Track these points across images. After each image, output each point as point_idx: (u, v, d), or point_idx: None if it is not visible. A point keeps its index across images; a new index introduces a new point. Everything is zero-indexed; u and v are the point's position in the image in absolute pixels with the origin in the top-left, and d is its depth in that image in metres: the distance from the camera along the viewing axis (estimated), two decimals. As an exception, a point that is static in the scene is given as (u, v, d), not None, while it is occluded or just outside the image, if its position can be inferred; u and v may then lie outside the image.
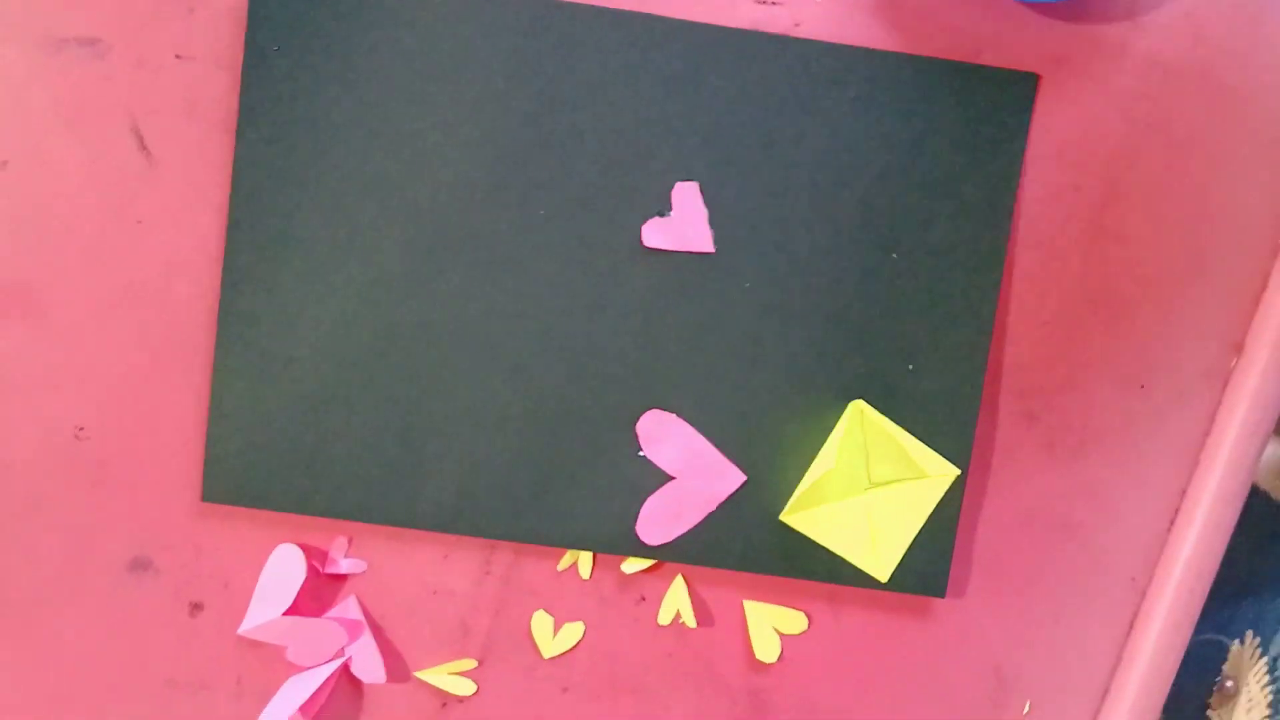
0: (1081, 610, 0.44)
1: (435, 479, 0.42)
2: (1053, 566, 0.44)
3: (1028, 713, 0.45)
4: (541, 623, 0.43)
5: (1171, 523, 0.44)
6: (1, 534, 0.42)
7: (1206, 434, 0.43)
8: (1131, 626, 0.44)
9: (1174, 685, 0.45)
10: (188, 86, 0.40)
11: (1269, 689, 0.47)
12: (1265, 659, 0.48)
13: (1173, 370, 0.43)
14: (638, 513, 0.42)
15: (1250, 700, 0.48)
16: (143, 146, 0.40)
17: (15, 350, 0.41)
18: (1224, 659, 0.49)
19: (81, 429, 0.42)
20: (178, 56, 0.40)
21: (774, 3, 0.41)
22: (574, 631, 0.44)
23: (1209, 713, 0.49)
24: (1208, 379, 0.43)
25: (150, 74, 0.40)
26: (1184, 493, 0.44)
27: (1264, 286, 0.42)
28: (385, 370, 0.41)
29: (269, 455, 0.41)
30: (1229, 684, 0.49)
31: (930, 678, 0.44)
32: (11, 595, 0.42)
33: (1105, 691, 0.45)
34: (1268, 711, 0.47)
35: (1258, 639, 0.48)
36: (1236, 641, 0.49)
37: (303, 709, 0.43)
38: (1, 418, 0.41)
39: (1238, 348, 0.43)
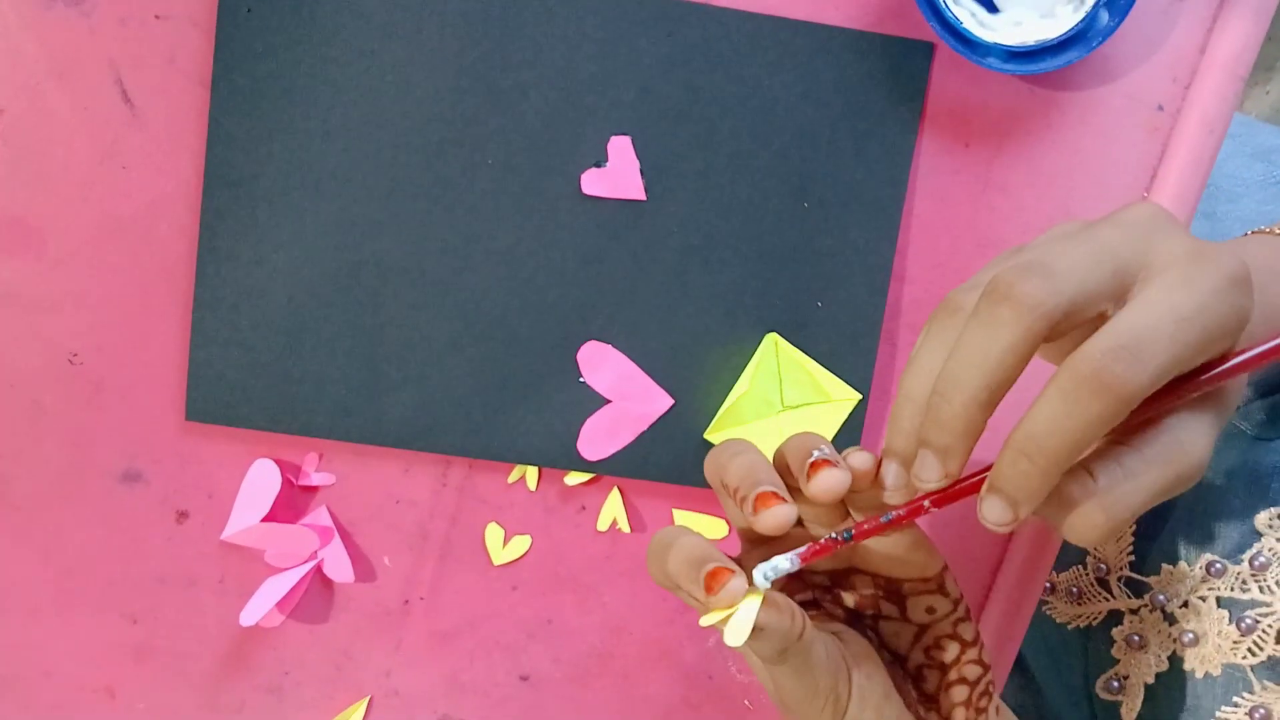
0: (970, 514, 0.50)
1: (396, 400, 0.47)
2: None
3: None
4: (494, 534, 0.49)
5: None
6: (6, 450, 0.47)
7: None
8: (1008, 542, 0.51)
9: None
10: (167, 43, 0.44)
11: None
12: None
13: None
14: (578, 432, 0.47)
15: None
16: (126, 98, 0.44)
17: (14, 282, 0.45)
18: None
19: (75, 354, 0.46)
20: (157, 16, 0.44)
21: (701, -27, 0.45)
22: (522, 543, 0.49)
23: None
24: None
25: (132, 31, 0.44)
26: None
27: (1130, 234, 0.48)
28: (350, 302, 0.46)
29: (246, 378, 0.46)
30: None
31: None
32: (17, 503, 0.47)
33: (994, 573, 0.51)
34: (1132, 539, 0.53)
35: None
36: None
37: (280, 605, 0.48)
38: (6, 341, 0.46)
39: (1107, 288, 0.49)
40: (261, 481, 0.47)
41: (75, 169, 0.45)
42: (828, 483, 0.34)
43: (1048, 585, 0.59)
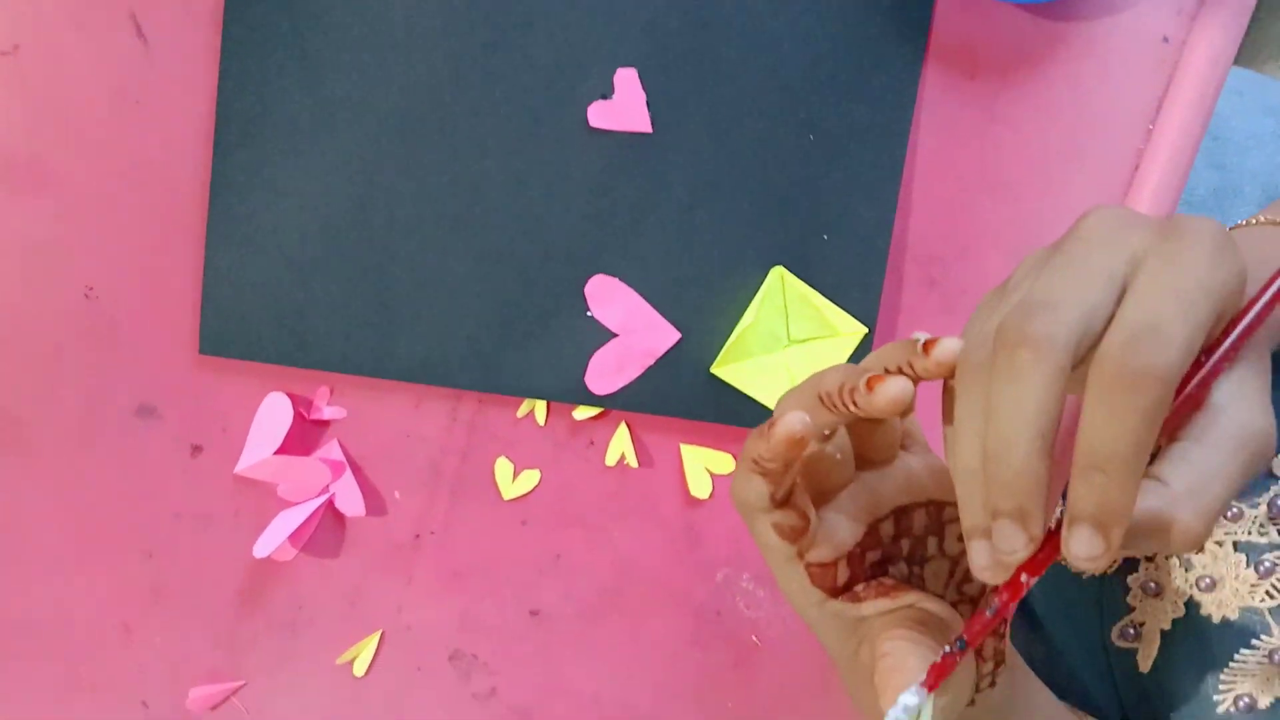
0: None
1: (407, 334, 0.47)
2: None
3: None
4: (503, 469, 0.49)
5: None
6: (24, 384, 0.47)
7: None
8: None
9: None
10: (180, -20, 0.45)
11: None
12: None
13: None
14: (586, 366, 0.48)
15: None
16: (140, 35, 0.45)
17: (30, 220, 0.46)
18: None
19: (91, 289, 0.47)
20: (171, -48, 0.45)
21: (706, -92, 0.46)
22: (531, 478, 0.50)
23: None
24: (1086, 249, 0.49)
25: (146, -32, 0.45)
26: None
27: (1136, 166, 0.48)
28: (362, 237, 0.47)
29: (259, 313, 0.47)
30: None
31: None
32: (35, 440, 0.48)
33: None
34: None
35: None
36: None
37: (292, 539, 0.49)
38: (21, 279, 0.46)
39: (1113, 222, 0.49)
40: (274, 415, 0.48)
41: (90, 106, 0.45)
42: (893, 390, 0.33)
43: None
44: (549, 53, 0.46)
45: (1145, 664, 0.53)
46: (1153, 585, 0.53)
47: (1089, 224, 0.33)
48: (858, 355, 0.48)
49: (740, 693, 0.52)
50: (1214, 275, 0.30)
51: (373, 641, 0.50)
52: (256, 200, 0.46)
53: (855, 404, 0.34)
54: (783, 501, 0.37)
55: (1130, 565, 0.54)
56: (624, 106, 0.46)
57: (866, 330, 0.48)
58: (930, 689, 0.33)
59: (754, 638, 0.51)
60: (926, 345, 0.34)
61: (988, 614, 0.33)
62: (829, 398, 0.35)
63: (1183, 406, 0.31)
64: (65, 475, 0.48)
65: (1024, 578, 0.32)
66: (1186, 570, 0.51)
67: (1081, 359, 0.31)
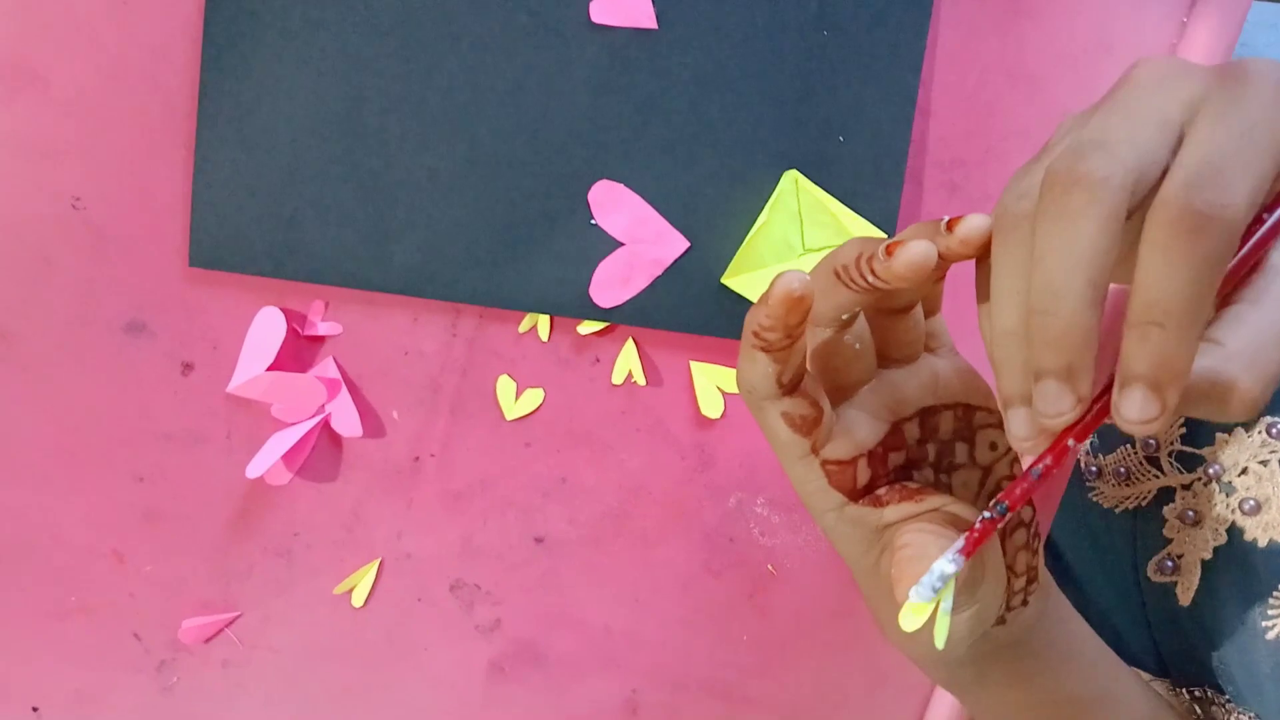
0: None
1: (403, 244, 0.45)
2: (973, 325, 0.48)
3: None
4: (505, 387, 0.47)
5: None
6: (9, 298, 0.46)
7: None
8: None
9: None
10: (167, -127, 0.43)
11: None
12: None
13: (1085, 143, 0.46)
14: (591, 277, 0.46)
15: None
16: (126, -74, 0.43)
17: (16, 126, 0.44)
18: None
19: (78, 199, 0.45)
20: None
21: None
22: (534, 397, 0.48)
23: None
24: (1117, 151, 0.46)
25: None
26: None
27: (1170, 62, 0.46)
28: (355, 142, 0.45)
29: (250, 223, 0.45)
30: None
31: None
32: (21, 357, 0.46)
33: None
34: None
35: None
36: None
37: (288, 461, 0.47)
38: (7, 186, 0.45)
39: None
40: (267, 330, 0.46)
41: (77, 8, 0.44)
42: (915, 253, 0.30)
43: (1093, 470, 0.56)
44: (549, -56, 0.44)
45: (1185, 597, 0.50)
46: (1191, 514, 0.50)
47: (1140, 71, 0.30)
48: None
49: (755, 623, 0.50)
50: (1276, 113, 0.28)
51: (371, 570, 0.48)
52: (247, 104, 0.44)
53: (874, 273, 0.32)
54: (791, 387, 0.34)
55: (1166, 495, 0.52)
56: (627, 0, 0.44)
57: (885, 237, 0.45)
58: (966, 555, 0.30)
59: (769, 566, 0.49)
60: (950, 223, 0.31)
61: (1032, 477, 0.30)
62: (846, 271, 0.33)
63: (1239, 267, 0.29)
64: (52, 393, 0.47)
65: (1070, 441, 0.29)
66: (1228, 495, 0.48)
67: (1136, 208, 0.28)
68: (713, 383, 0.47)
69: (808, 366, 0.35)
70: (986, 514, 0.31)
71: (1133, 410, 0.27)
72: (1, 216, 0.45)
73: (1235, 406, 0.28)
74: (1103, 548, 0.58)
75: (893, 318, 0.36)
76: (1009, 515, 0.31)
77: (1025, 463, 0.44)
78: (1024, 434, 0.30)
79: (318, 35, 0.44)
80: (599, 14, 0.44)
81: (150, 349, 0.46)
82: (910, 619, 0.31)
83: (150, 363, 0.47)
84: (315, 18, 0.44)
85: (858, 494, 0.35)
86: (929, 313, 0.37)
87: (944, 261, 0.32)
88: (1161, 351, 0.27)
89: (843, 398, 0.36)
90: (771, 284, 0.31)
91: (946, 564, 0.30)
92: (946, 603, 0.31)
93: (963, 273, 0.33)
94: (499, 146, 0.45)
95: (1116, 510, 0.55)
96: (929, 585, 0.30)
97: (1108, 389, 0.29)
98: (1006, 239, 0.30)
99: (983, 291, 0.32)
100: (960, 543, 0.31)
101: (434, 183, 0.45)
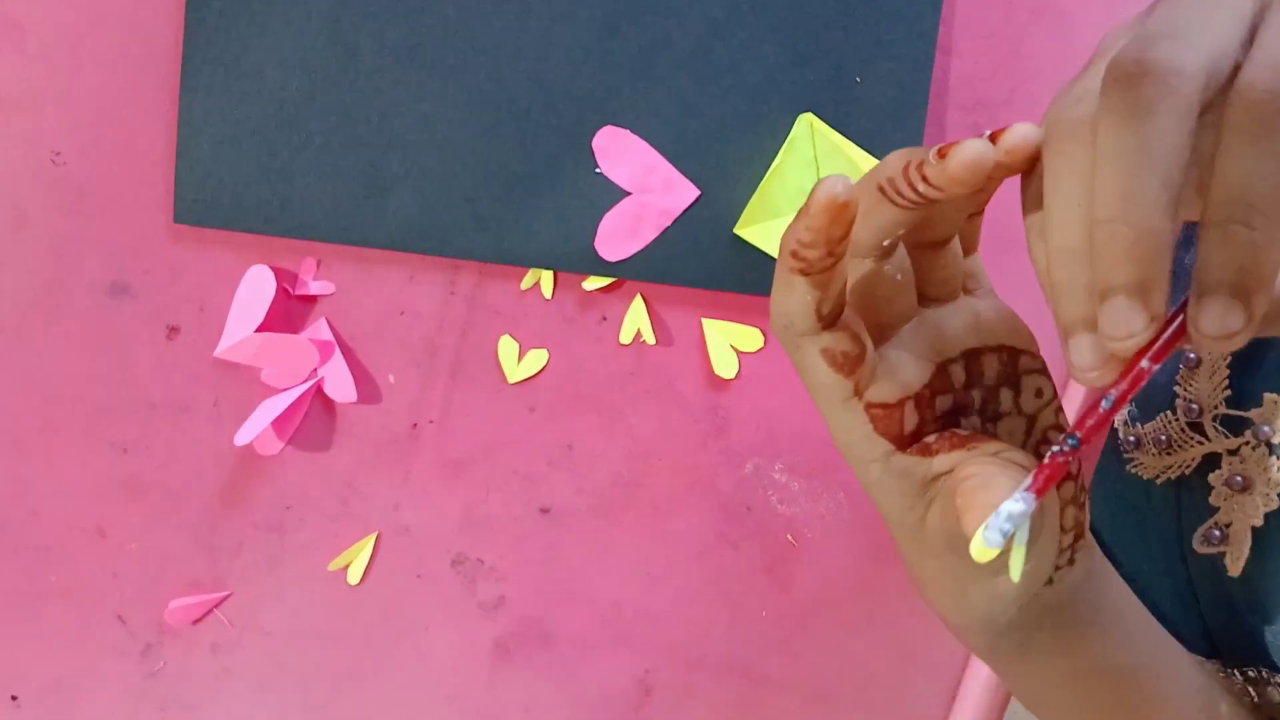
0: (1032, 324, 0.45)
1: (399, 197, 0.43)
2: (1001, 281, 0.45)
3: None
4: (507, 348, 0.45)
5: (1117, 236, 0.45)
6: (-16, 258, 0.44)
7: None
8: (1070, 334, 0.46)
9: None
10: None
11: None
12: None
13: (1115, 81, 0.44)
14: (596, 229, 0.43)
15: (1211, 364, 0.49)
16: None
17: (-10, 74, 0.42)
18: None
19: (58, 154, 0.43)
20: None
21: None
22: (538, 358, 0.45)
23: (1176, 388, 0.51)
24: (1150, 90, 0.44)
25: None
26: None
27: None
28: (348, 89, 0.43)
29: (237, 176, 0.43)
30: (1192, 357, 0.50)
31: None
32: (1, 323, 0.44)
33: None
34: (1227, 371, 0.49)
35: None
36: None
37: (278, 428, 0.45)
38: (-21, 138, 0.43)
39: (1179, 57, 0.44)
40: (256, 289, 0.44)
41: (54, -52, 0.42)
42: (971, 152, 0.27)
43: (1131, 440, 0.53)
44: (548, -124, 0.42)
45: (1235, 567, 0.47)
46: (1239, 479, 0.47)
47: None
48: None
49: (774, 599, 0.47)
50: None
51: (368, 545, 0.46)
52: (233, 49, 0.42)
53: (926, 179, 0.28)
54: (832, 320, 0.31)
55: (1211, 463, 0.49)
56: (632, -64, 0.42)
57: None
58: (1039, 494, 0.28)
59: (789, 536, 0.46)
60: (995, 135, 0.28)
61: (1104, 406, 0.27)
62: (892, 184, 0.29)
63: None
64: (29, 359, 0.44)
65: (1145, 363, 0.26)
66: (1278, 458, 0.46)
67: (1207, 107, 0.25)
68: (726, 341, 0.45)
69: (847, 300, 0.33)
70: (1057, 448, 0.28)
71: (1213, 323, 0.25)
72: (-24, 173, 0.43)
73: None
74: (1144, 523, 0.55)
75: (931, 252, 0.33)
76: (1080, 449, 0.28)
77: (1074, 404, 0.41)
78: (1089, 362, 0.27)
79: (307, -24, 0.42)
80: (602, -50, 0.42)
81: (133, 311, 0.44)
82: (982, 550, 0.28)
83: (133, 326, 0.44)
84: (304, -42, 0.42)
85: (905, 441, 0.33)
86: (966, 251, 0.35)
87: (989, 181, 0.29)
88: (1248, 253, 0.24)
89: (883, 338, 0.34)
90: (813, 191, 0.28)
91: (1015, 504, 0.27)
92: (1022, 534, 0.28)
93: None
94: (498, 92, 0.43)
95: (1158, 481, 0.52)
96: (997, 529, 0.27)
97: (1181, 307, 0.26)
98: (1064, 145, 0.27)
99: (1032, 206, 0.29)
100: (1029, 479, 0.28)
101: (430, 131, 0.43)
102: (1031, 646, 0.38)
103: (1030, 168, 0.28)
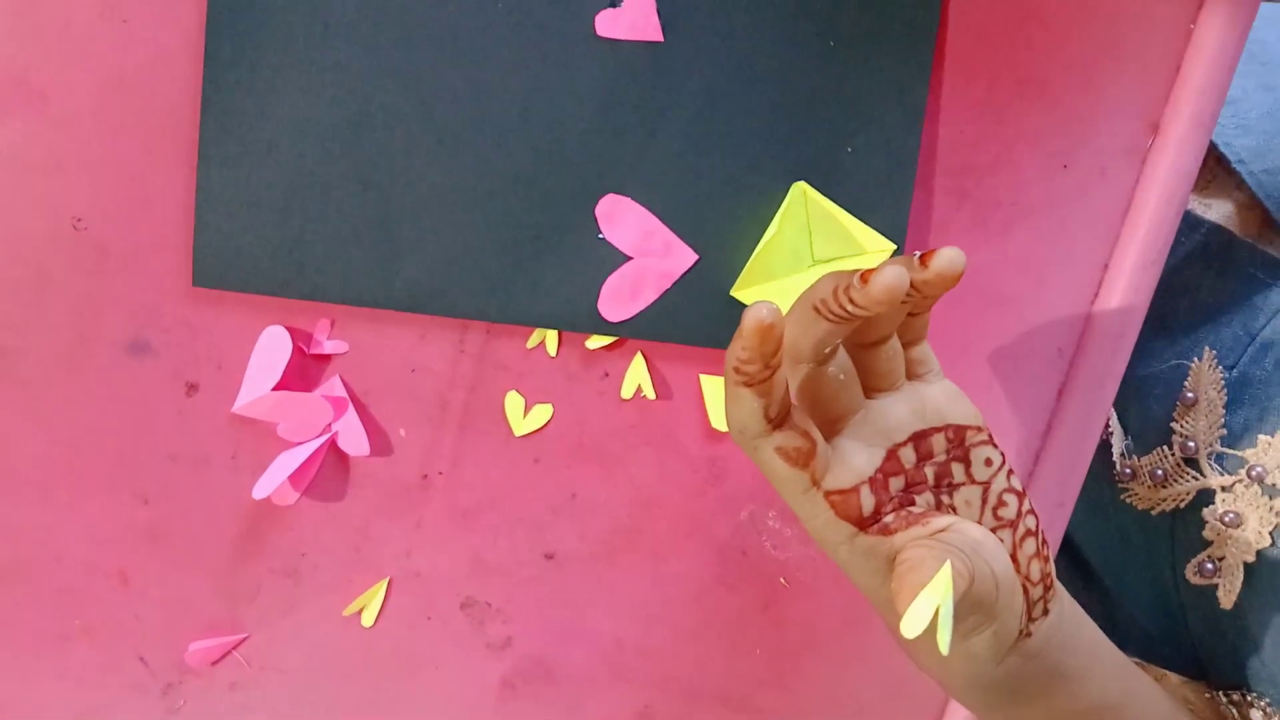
0: (1013, 379, 0.48)
1: (410, 261, 0.45)
2: (984, 338, 0.47)
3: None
4: (514, 403, 0.47)
5: (1095, 294, 0.47)
6: (11, 321, 0.45)
7: (1126, 209, 0.47)
8: (1060, 393, 0.48)
9: (1142, 408, 0.49)
10: (165, -113, 0.43)
11: (1224, 391, 0.51)
12: (1220, 369, 0.51)
13: (1094, 149, 0.46)
14: (599, 291, 0.45)
15: (1209, 404, 0.52)
16: (125, -58, 0.43)
17: (15, 143, 0.44)
18: (1185, 377, 0.53)
19: (79, 219, 0.45)
20: None
21: None
22: (543, 412, 0.47)
23: (1173, 424, 0.53)
24: (1127, 156, 0.46)
25: (129, -125, 0.42)
26: (1106, 266, 0.47)
27: (1178, 68, 0.45)
28: (360, 158, 0.44)
29: (254, 241, 0.45)
30: (1190, 395, 0.52)
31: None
32: (24, 378, 0.46)
33: (1037, 456, 0.48)
34: (1223, 412, 0.51)
35: (1214, 352, 0.52)
36: (1196, 359, 0.53)
37: (294, 481, 0.47)
38: (6, 207, 0.44)
39: (1154, 127, 0.46)
40: (272, 349, 0.45)
41: (75, 23, 0.43)
42: (889, 277, 0.31)
43: (1127, 471, 0.56)
44: (553, -44, 0.43)
45: (1227, 600, 0.50)
46: (1233, 516, 0.50)
47: None
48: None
49: (768, 637, 0.49)
50: None
51: (380, 589, 0.48)
52: (250, 120, 0.44)
53: (852, 301, 0.33)
54: (780, 421, 0.35)
55: (1205, 497, 0.51)
56: (633, 14, 0.44)
57: (895, 247, 0.45)
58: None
59: (782, 579, 0.49)
60: (924, 257, 0.33)
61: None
62: (824, 305, 0.34)
63: None
64: (55, 414, 0.46)
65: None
66: (1271, 498, 0.48)
67: None
68: (723, 395, 0.47)
69: (793, 400, 0.36)
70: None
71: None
72: (1, 233, 0.44)
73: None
74: (1136, 550, 0.57)
75: (871, 350, 0.37)
76: None
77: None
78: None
79: (322, 50, 0.44)
80: (605, 28, 0.44)
81: (154, 369, 0.46)
82: (912, 626, 0.31)
83: (154, 383, 0.46)
84: (319, 32, 0.43)
85: (865, 523, 0.36)
86: (914, 340, 0.38)
87: (919, 295, 0.33)
88: None
89: (835, 430, 0.37)
90: (744, 316, 0.32)
91: (933, 589, 0.31)
92: (947, 606, 0.31)
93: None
94: (505, 161, 0.45)
95: (1153, 512, 0.54)
96: (922, 608, 0.31)
97: None
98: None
99: None
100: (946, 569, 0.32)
101: (440, 199, 0.45)
102: (1021, 695, 0.40)
103: (953, 285, 0.33)
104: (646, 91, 0.44)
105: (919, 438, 0.37)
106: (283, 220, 0.44)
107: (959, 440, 0.38)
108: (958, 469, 0.38)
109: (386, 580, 0.48)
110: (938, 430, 0.37)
